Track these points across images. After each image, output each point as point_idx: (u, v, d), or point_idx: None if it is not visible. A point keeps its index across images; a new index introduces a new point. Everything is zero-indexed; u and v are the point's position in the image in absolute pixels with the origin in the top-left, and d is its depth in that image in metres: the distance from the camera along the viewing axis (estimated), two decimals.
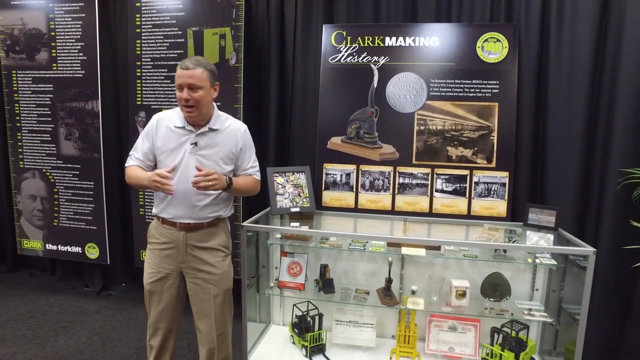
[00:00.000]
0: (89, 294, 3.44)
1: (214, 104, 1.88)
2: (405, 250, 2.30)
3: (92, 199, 3.20)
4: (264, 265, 2.61)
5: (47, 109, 3.21)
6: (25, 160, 3.31)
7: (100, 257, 3.26)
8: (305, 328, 2.39)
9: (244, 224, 2.24)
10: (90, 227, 3.23)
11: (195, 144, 1.79)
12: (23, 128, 3.28)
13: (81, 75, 3.10)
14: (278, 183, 2.45)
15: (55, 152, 3.23)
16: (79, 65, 3.10)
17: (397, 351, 2.37)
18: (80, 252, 3.29)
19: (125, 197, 3.38)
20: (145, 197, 3.03)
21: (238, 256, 2.89)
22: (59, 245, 3.33)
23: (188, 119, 1.79)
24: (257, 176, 1.98)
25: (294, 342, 2.50)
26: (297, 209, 2.41)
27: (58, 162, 3.23)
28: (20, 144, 3.30)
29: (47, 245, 3.36)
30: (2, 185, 3.71)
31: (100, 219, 3.21)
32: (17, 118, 3.29)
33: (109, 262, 3.27)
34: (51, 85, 3.18)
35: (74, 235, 3.28)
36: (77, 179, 3.20)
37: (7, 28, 3.20)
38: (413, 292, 2.38)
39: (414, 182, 2.60)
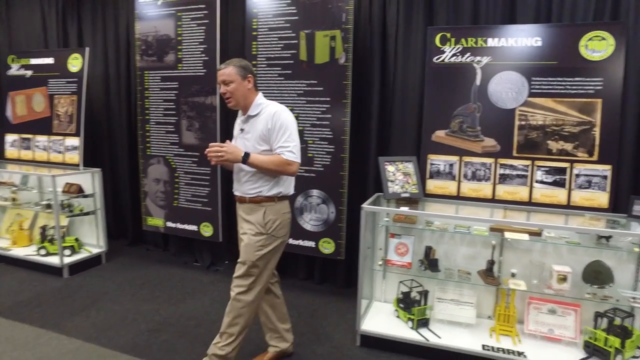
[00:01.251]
0: (199, 269, 3.88)
1: (259, 93, 2.19)
2: (508, 235, 2.48)
3: (208, 183, 3.62)
4: (369, 247, 2.87)
5: (172, 103, 3.67)
6: (151, 148, 3.81)
7: (213, 236, 3.68)
8: (410, 303, 2.64)
9: (364, 206, 2.52)
10: (205, 208, 3.66)
11: (242, 129, 2.18)
12: (151, 120, 3.78)
13: (203, 74, 3.53)
14: (389, 171, 2.71)
15: (177, 141, 3.69)
16: (201, 64, 3.52)
17: (497, 329, 2.56)
18: (196, 230, 3.73)
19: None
20: None
21: (342, 238, 3.19)
22: (178, 224, 3.80)
23: (232, 108, 2.18)
24: (286, 156, 2.05)
25: (398, 316, 2.75)
26: (407, 195, 2.66)
27: (180, 150, 3.69)
28: (148, 134, 3.81)
29: (167, 223, 3.84)
30: (127, 170, 4.28)
31: (214, 201, 3.62)
32: (147, 112, 3.79)
33: (221, 240, 3.68)
34: (176, 83, 3.64)
35: (191, 215, 3.73)
36: (195, 165, 3.64)
37: (143, 35, 3.70)
38: (513, 275, 2.55)
39: (514, 173, 2.76)
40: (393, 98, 3.24)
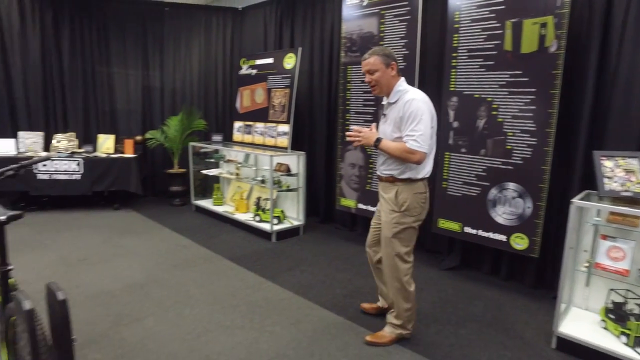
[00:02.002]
0: None
1: (400, 80, 2.32)
2: None
3: None
4: (571, 247, 2.67)
5: (372, 95, 4.00)
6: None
7: None
8: (624, 315, 2.37)
9: (574, 200, 2.38)
10: None
11: (384, 115, 2.38)
12: (351, 110, 4.20)
13: (402, 67, 3.75)
14: (606, 166, 2.47)
15: None
16: (402, 58, 3.75)
17: None
18: None
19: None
20: (450, 171, 3.47)
21: (537, 235, 3.03)
22: (368, 206, 4.14)
23: (377, 95, 2.39)
24: (409, 144, 2.13)
25: (606, 328, 2.50)
26: (629, 194, 2.38)
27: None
28: (347, 123, 4.24)
29: (359, 204, 4.23)
30: (323, 155, 4.84)
31: None
32: (347, 102, 4.22)
33: None
34: None
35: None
36: None
37: (348, 34, 4.12)
38: None
39: None
40: (613, 87, 2.89)
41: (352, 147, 4.21)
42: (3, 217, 1.48)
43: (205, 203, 5.43)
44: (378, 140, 2.24)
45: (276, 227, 4.35)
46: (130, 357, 2.30)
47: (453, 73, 3.40)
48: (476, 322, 2.77)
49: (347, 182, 4.30)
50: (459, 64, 3.36)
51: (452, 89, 3.41)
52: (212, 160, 5.47)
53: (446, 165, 3.49)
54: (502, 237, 3.20)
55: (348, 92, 4.20)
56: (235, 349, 2.39)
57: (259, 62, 5.09)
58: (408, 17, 3.68)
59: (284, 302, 3.00)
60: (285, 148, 4.59)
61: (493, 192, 3.22)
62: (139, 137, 5.85)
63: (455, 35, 3.38)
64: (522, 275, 3.38)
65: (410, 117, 2.16)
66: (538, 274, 3.29)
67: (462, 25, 3.34)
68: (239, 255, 3.88)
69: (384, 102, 2.39)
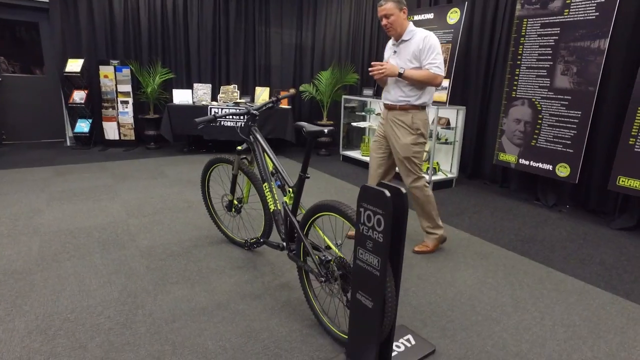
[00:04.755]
0: (540, 206, 4.19)
1: (409, 22, 2.68)
2: None
3: (575, 126, 3.79)
4: None
5: (549, 49, 3.92)
6: (517, 90, 4.22)
7: (569, 177, 3.88)
8: None
9: None
10: (567, 150, 3.86)
11: (395, 52, 2.73)
12: (522, 65, 4.16)
13: (593, 18, 3.60)
14: None
15: (547, 84, 3.96)
16: (594, 8, 3.58)
17: None
18: (550, 169, 4.01)
19: (607, 125, 3.78)
20: None
21: None
22: (531, 162, 4.16)
23: (391, 36, 2.74)
24: (433, 70, 2.55)
25: None
26: None
27: (549, 93, 3.96)
28: (516, 77, 4.22)
29: (520, 160, 4.26)
30: (477, 110, 4.87)
31: (579, 144, 3.77)
32: (519, 57, 4.18)
33: (577, 182, 3.86)
34: (558, 29, 3.85)
35: (548, 155, 4.01)
36: (564, 108, 3.85)
37: None
38: None
39: None
40: None
41: (519, 103, 4.20)
42: (325, 130, 1.87)
43: (353, 153, 5.82)
44: (403, 70, 2.60)
45: (433, 178, 4.57)
46: None
47: None
48: None
49: (509, 138, 4.32)
50: None
51: None
52: (362, 113, 5.79)
53: (638, 120, 3.36)
54: None
55: (521, 46, 4.15)
56: (441, 272, 2.72)
57: (417, 17, 5.18)
58: None
59: (464, 241, 3.24)
60: (444, 102, 4.71)
61: None
62: (293, 90, 6.37)
63: None
64: None
65: (430, 49, 2.57)
66: None
67: None
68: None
69: (391, 43, 2.81)
